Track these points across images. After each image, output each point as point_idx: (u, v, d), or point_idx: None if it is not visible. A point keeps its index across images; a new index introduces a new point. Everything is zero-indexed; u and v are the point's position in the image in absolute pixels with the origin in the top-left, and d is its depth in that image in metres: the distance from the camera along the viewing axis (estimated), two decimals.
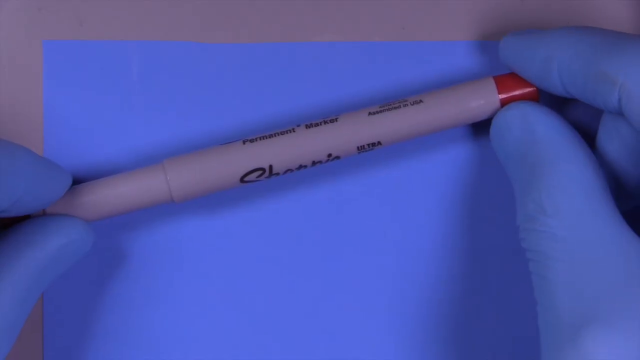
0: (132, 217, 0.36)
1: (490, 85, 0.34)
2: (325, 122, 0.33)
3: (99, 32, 0.36)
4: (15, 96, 0.35)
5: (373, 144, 0.33)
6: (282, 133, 0.33)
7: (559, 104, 0.35)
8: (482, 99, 0.34)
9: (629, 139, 0.32)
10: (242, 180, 0.33)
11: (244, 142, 0.33)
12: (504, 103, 0.34)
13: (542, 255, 0.29)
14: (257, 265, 0.36)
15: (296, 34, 0.36)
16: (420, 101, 0.33)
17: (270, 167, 0.33)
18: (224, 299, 0.36)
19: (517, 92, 0.34)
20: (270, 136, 0.33)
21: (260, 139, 0.33)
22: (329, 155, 0.33)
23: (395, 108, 0.33)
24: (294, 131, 0.33)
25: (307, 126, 0.33)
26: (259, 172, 0.33)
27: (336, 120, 0.33)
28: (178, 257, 0.36)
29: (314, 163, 0.33)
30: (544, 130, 0.32)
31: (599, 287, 0.27)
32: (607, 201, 0.30)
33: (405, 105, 0.33)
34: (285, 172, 0.33)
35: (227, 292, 0.36)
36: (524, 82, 0.34)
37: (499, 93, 0.34)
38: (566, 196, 0.29)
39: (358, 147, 0.33)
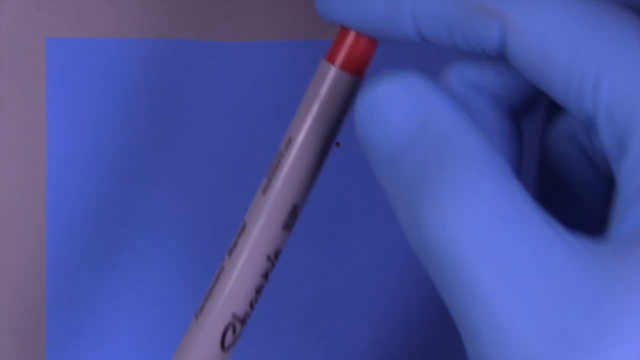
0: None
1: (328, 67, 0.27)
2: (239, 236, 0.28)
3: (100, 32, 0.36)
4: (17, 96, 0.35)
5: (293, 212, 0.28)
6: (215, 282, 0.28)
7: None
8: (334, 86, 0.27)
9: (512, 83, 0.26)
10: (224, 349, 0.29)
11: (196, 318, 0.28)
12: (356, 70, 0.26)
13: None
14: None
15: (300, 32, 0.36)
16: (290, 139, 0.27)
17: (233, 325, 0.28)
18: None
19: (356, 54, 0.26)
20: (210, 295, 0.28)
21: (204, 306, 0.28)
22: (274, 256, 0.28)
23: (277, 167, 0.27)
24: (222, 270, 0.28)
25: (229, 253, 0.28)
26: (231, 331, 0.28)
27: (245, 228, 0.28)
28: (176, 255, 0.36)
29: (266, 275, 0.29)
30: (444, 120, 0.23)
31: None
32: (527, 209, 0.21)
33: (282, 157, 0.27)
34: (250, 311, 0.29)
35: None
36: (359, 38, 0.26)
37: (343, 68, 0.26)
38: (474, 216, 0.21)
39: (283, 227, 0.28)
